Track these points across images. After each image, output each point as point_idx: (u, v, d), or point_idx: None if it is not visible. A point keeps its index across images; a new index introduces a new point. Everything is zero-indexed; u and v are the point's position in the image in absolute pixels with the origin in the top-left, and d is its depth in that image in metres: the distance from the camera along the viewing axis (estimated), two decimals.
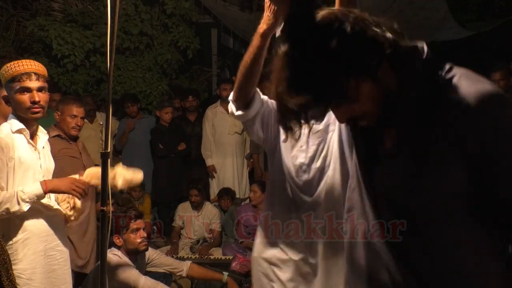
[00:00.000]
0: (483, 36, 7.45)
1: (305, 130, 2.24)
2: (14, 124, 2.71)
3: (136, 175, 2.77)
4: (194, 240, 5.53)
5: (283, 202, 2.30)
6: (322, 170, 2.22)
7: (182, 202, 5.79)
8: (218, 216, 5.61)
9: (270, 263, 2.35)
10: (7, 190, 2.63)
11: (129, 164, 2.75)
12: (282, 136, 2.27)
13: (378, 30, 1.21)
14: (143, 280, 3.44)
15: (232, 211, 5.63)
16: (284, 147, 2.29)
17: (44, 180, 2.73)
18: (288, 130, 1.32)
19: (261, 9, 2.23)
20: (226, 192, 5.81)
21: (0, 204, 2.58)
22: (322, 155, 2.23)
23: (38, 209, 2.75)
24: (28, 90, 2.67)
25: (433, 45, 1.43)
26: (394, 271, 1.33)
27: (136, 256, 3.61)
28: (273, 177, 2.37)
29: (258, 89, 2.19)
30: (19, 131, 2.71)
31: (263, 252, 2.37)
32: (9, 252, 2.54)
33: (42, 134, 2.88)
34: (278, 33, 1.91)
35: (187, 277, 4.05)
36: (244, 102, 2.19)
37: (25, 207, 2.63)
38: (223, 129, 6.19)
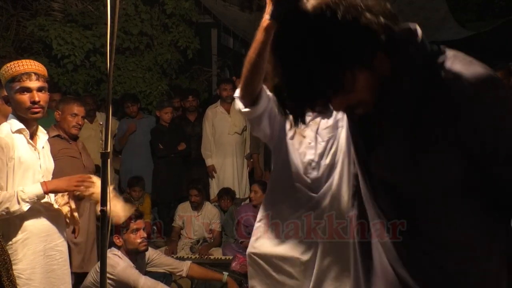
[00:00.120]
0: (483, 36, 7.45)
1: (313, 126, 2.24)
2: (14, 124, 2.71)
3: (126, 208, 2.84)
4: (194, 240, 5.53)
5: (286, 200, 2.28)
6: (331, 167, 2.20)
7: (182, 202, 5.79)
8: (218, 216, 5.61)
9: (267, 260, 2.33)
10: (7, 190, 2.63)
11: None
12: (289, 133, 2.25)
13: (371, 17, 1.18)
14: (143, 280, 3.44)
15: (232, 211, 5.63)
16: (291, 144, 2.26)
17: (44, 181, 2.73)
18: (289, 120, 1.31)
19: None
20: (226, 192, 5.81)
21: (0, 203, 2.58)
22: (332, 151, 2.20)
23: (38, 209, 2.75)
24: (28, 90, 2.67)
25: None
26: (402, 269, 1.33)
27: (136, 256, 3.62)
28: (277, 175, 2.34)
29: (264, 86, 2.18)
30: (19, 131, 2.71)
31: (260, 248, 2.35)
32: (9, 252, 2.54)
33: (42, 134, 2.88)
34: (265, 16, 1.88)
35: (187, 277, 4.05)
36: (251, 98, 2.15)
37: (25, 207, 2.64)
38: (223, 129, 6.19)
